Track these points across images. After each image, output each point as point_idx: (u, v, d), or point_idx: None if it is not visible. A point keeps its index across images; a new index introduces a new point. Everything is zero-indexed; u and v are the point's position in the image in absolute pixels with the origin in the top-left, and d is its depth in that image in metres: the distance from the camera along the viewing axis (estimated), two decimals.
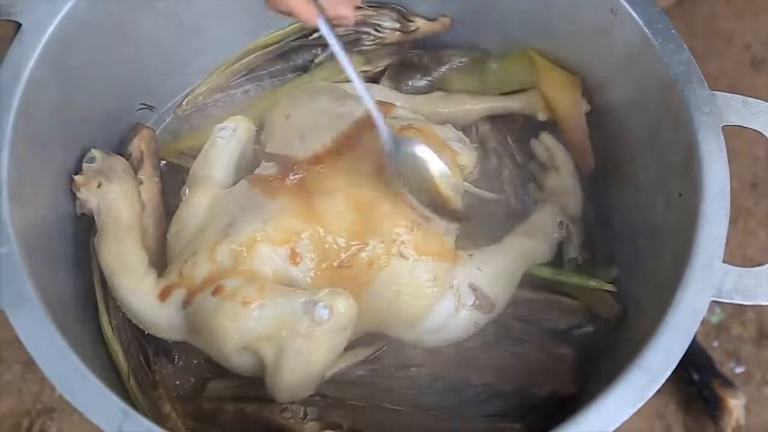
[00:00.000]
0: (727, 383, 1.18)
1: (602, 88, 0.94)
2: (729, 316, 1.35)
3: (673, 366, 0.70)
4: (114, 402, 0.67)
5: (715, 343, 1.34)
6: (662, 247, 0.84)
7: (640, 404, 0.69)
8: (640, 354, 0.71)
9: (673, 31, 0.84)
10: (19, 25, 0.81)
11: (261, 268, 0.81)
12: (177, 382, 0.89)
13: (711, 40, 1.63)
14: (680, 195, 0.81)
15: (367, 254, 0.82)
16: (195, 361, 0.89)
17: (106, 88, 0.92)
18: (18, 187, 0.75)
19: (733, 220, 1.46)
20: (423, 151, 0.84)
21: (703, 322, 1.38)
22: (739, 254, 1.41)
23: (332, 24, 0.76)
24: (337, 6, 0.75)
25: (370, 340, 0.88)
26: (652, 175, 0.88)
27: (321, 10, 0.74)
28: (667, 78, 0.82)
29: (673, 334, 0.72)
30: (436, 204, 0.84)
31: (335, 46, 0.77)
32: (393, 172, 0.82)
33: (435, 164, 0.84)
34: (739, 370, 1.32)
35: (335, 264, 0.82)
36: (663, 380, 0.70)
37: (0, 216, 0.72)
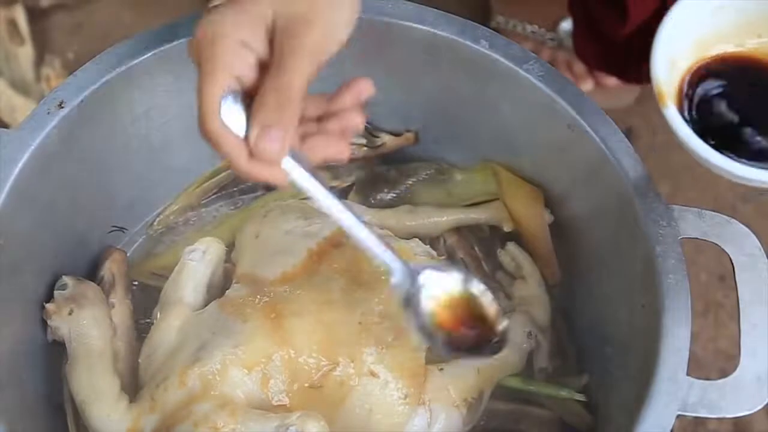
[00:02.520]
0: None
1: (564, 200, 0.96)
2: None
3: None
4: None
5: None
6: (629, 357, 0.85)
7: None
8: None
9: (629, 147, 0.86)
10: None
11: (232, 391, 0.81)
12: None
13: (672, 136, 1.67)
14: (643, 306, 0.83)
15: (339, 374, 0.83)
16: None
17: (77, 215, 0.93)
18: None
19: (703, 313, 1.48)
20: (449, 278, 0.77)
21: (681, 417, 1.38)
22: (711, 347, 1.42)
23: (317, 174, 0.69)
24: (322, 149, 0.69)
25: None
26: (615, 286, 0.90)
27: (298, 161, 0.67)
28: (625, 192, 0.85)
29: None
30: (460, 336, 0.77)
31: (328, 203, 0.70)
32: (403, 305, 0.75)
33: (471, 285, 0.78)
34: None
35: (306, 385, 0.83)
36: None
37: None
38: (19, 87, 1.56)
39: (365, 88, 0.71)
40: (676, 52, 0.76)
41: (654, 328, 0.79)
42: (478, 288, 0.78)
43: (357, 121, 0.71)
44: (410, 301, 0.75)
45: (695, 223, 0.83)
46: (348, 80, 0.71)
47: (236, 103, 0.66)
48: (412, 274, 0.75)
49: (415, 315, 0.75)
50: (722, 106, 0.76)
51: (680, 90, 0.77)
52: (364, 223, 0.73)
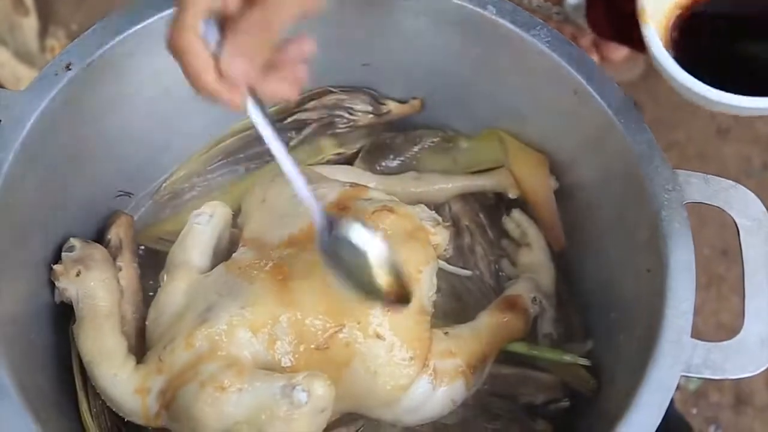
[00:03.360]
0: None
1: (570, 167, 0.97)
2: (706, 383, 1.37)
3: None
4: None
5: (694, 410, 1.35)
6: (633, 321, 0.86)
7: None
8: (613, 430, 0.73)
9: (635, 112, 0.86)
10: None
11: (239, 352, 0.82)
12: None
13: (677, 111, 1.68)
14: (648, 271, 0.83)
15: (344, 336, 0.83)
16: None
17: (84, 178, 0.93)
18: None
19: (706, 287, 1.49)
20: (359, 234, 0.79)
21: (681, 389, 1.40)
22: (713, 320, 1.43)
23: (265, 107, 0.72)
24: (276, 86, 0.71)
25: (348, 420, 0.89)
26: (621, 252, 0.90)
27: (252, 94, 0.70)
28: (631, 157, 0.85)
29: (644, 411, 0.73)
30: (373, 286, 0.80)
31: (267, 133, 0.73)
32: (323, 252, 0.80)
33: (372, 247, 0.79)
34: None
35: (313, 346, 0.83)
36: None
37: None
38: (24, 57, 1.57)
39: (309, 46, 0.72)
40: None
41: (659, 291, 0.79)
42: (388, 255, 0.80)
43: (303, 74, 0.72)
44: (329, 249, 0.79)
45: (700, 187, 0.83)
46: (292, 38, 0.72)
47: (212, 25, 0.68)
48: (332, 223, 0.79)
49: (333, 262, 0.79)
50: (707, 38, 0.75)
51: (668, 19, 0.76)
52: (298, 167, 0.77)
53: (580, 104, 0.89)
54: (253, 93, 0.70)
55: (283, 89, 0.71)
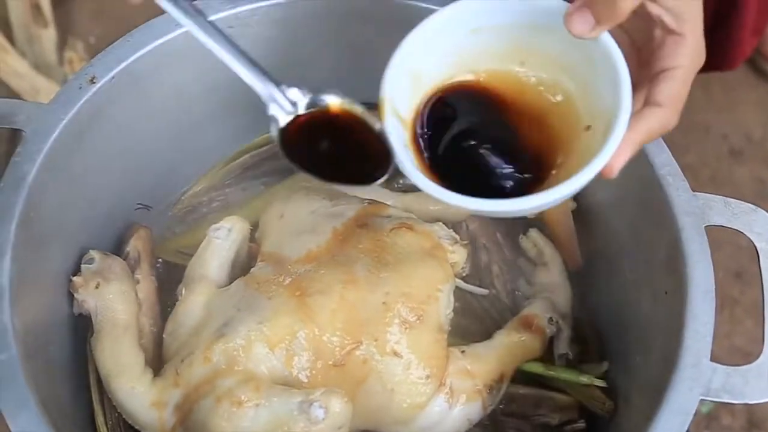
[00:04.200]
0: None
1: (587, 187, 0.95)
2: (719, 406, 1.37)
3: None
4: None
5: None
6: (651, 343, 0.86)
7: None
8: None
9: None
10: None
11: (256, 367, 0.82)
12: None
13: (689, 132, 1.68)
14: (666, 293, 0.83)
15: (362, 353, 0.83)
16: None
17: (104, 190, 0.94)
18: (18, 291, 0.77)
19: (720, 310, 1.48)
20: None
21: (696, 413, 1.39)
22: (726, 343, 1.43)
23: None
24: None
25: None
26: (639, 273, 0.90)
27: None
28: (650, 179, 0.85)
29: None
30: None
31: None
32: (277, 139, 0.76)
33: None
34: None
35: (330, 362, 0.83)
36: None
37: (2, 322, 0.73)
38: (42, 69, 1.58)
39: None
40: (422, 67, 0.75)
41: (677, 314, 0.79)
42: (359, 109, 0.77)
43: None
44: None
45: (720, 210, 0.83)
46: None
47: None
48: (282, 93, 0.76)
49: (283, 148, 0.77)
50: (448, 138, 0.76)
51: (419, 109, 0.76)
52: (240, 51, 0.75)
53: None
54: None
55: None
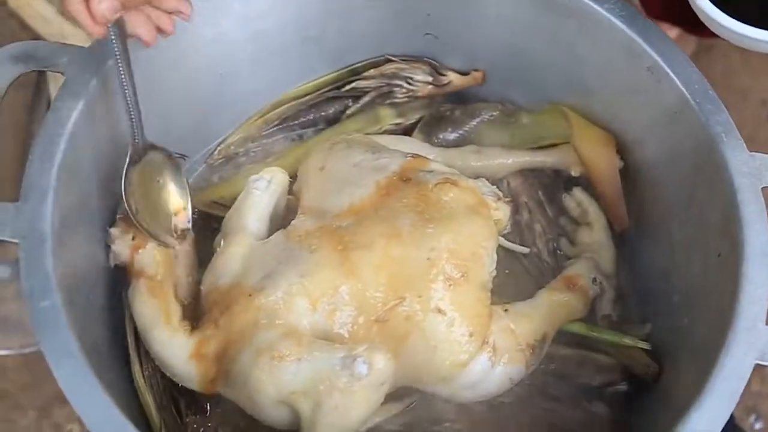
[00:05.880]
0: None
1: (636, 146, 0.95)
2: None
3: (719, 429, 0.70)
4: None
5: None
6: (699, 306, 0.84)
7: None
8: (684, 418, 0.71)
9: (711, 92, 0.84)
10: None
11: (298, 321, 0.80)
12: None
13: (727, 96, 1.64)
14: (719, 255, 0.81)
15: (405, 309, 0.81)
16: (227, 414, 0.88)
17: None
18: (59, 238, 0.75)
19: None
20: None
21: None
22: None
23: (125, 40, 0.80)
24: (136, 24, 0.81)
25: (402, 394, 0.88)
26: (688, 234, 0.88)
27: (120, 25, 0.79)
28: (705, 138, 0.83)
29: (717, 399, 0.71)
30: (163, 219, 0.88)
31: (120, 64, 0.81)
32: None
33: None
34: (758, 425, 1.31)
35: (372, 318, 0.82)
36: None
37: (44, 268, 0.72)
38: (68, 15, 1.54)
39: (186, 10, 0.86)
40: None
41: (731, 277, 0.77)
42: None
43: (167, 27, 0.85)
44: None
45: None
46: None
47: None
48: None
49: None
50: None
51: None
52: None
53: (654, 82, 0.87)
54: (121, 24, 0.80)
55: (141, 31, 0.82)
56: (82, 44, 0.86)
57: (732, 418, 1.19)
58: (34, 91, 1.47)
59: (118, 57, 0.81)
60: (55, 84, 1.40)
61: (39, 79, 1.45)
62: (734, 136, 0.82)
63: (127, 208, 0.85)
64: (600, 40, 0.90)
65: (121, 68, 0.82)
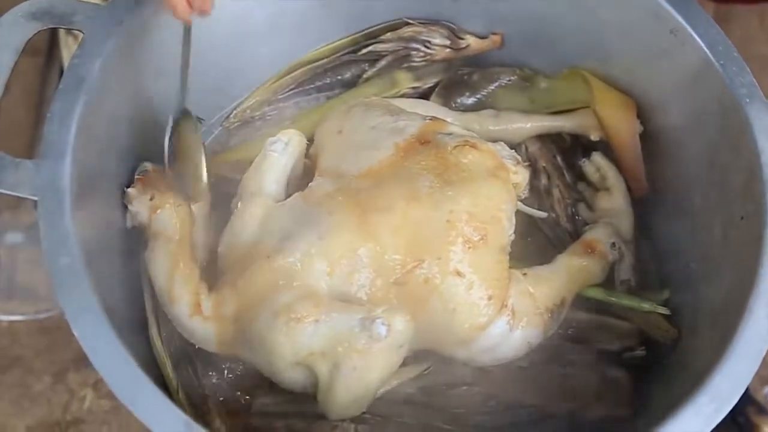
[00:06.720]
0: (762, 410, 1.17)
1: (657, 110, 0.94)
2: None
3: (741, 392, 0.70)
4: (176, 413, 0.67)
5: None
6: (719, 270, 0.83)
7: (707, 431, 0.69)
8: (706, 380, 0.70)
9: (736, 54, 0.83)
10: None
11: (316, 283, 0.80)
12: (225, 397, 0.88)
13: (749, 63, 1.63)
14: (742, 218, 0.80)
15: (424, 271, 0.81)
16: (245, 376, 0.88)
17: (158, 101, 0.91)
18: (77, 196, 0.75)
19: None
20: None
21: None
22: None
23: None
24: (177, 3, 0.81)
25: (420, 357, 0.87)
26: (710, 198, 0.87)
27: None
28: (730, 100, 0.82)
29: (740, 360, 0.71)
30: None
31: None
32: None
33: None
34: None
35: (391, 281, 0.81)
36: (730, 407, 0.70)
37: (63, 225, 0.72)
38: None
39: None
40: None
41: (755, 240, 0.76)
42: None
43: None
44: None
45: None
46: None
47: None
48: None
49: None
50: None
51: None
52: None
53: (677, 44, 0.86)
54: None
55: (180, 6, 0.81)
56: (98, 2, 0.85)
57: (746, 389, 1.19)
58: (45, 58, 1.46)
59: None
60: (67, 50, 1.39)
61: (51, 44, 1.44)
62: (758, 97, 0.81)
63: (167, 162, 0.86)
64: (624, 3, 0.89)
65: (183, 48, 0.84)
